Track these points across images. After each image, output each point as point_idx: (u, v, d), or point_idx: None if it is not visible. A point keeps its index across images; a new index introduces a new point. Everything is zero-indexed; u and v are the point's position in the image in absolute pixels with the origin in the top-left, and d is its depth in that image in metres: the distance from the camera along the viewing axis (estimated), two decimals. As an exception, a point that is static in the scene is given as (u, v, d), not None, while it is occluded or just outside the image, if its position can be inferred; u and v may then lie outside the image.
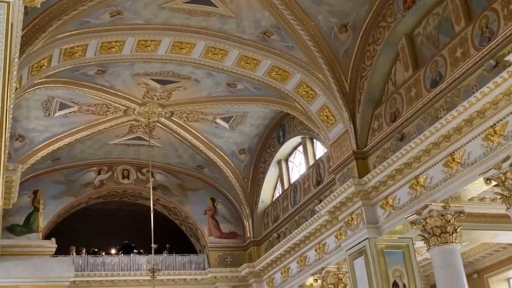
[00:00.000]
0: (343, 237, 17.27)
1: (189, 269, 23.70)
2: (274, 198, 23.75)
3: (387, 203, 15.52)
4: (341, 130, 17.16)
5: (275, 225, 22.95)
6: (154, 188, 21.76)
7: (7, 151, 10.12)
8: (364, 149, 16.52)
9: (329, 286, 18.84)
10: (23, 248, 9.62)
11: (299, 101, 18.20)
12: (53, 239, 11.68)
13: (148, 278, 20.80)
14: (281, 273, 21.89)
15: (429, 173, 13.90)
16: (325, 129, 17.85)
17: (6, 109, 6.95)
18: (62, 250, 19.57)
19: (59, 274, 7.47)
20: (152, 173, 21.75)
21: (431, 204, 13.74)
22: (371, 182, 15.77)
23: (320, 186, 19.79)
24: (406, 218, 14.59)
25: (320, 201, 18.30)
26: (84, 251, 23.34)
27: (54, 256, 13.99)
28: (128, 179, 23.86)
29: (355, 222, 16.47)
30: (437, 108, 13.76)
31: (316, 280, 19.96)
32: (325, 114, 17.68)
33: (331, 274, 18.89)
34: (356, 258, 16.55)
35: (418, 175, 14.25)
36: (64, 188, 22.71)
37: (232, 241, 24.60)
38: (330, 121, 17.58)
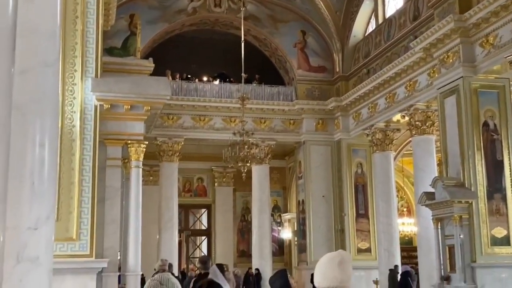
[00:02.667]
0: (436, 75, 16.87)
1: (277, 99, 24.28)
2: (366, 33, 23.15)
3: (487, 41, 14.77)
4: (446, -40, 15.94)
5: (365, 60, 22.64)
6: (245, 18, 21.67)
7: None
8: (469, -18, 15.41)
9: (416, 123, 18.86)
10: (123, 66, 10.11)
11: None
12: (151, 59, 12.14)
13: (238, 105, 21.68)
14: (368, 109, 22.03)
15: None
16: (428, -41, 16.64)
17: None
18: (157, 74, 20.43)
19: (157, 92, 7.88)
20: (243, 2, 21.50)
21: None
22: (472, 19, 14.94)
23: (417, 22, 18.96)
24: (506, 57, 13.93)
25: (416, 37, 17.67)
26: (178, 76, 24.31)
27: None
28: (220, 7, 23.81)
29: (451, 60, 15.92)
30: None
31: (404, 117, 19.99)
32: None
33: (419, 111, 18.81)
34: (448, 97, 16.28)
35: (526, 11, 13.29)
36: (158, 13, 23.09)
37: (321, 75, 24.64)
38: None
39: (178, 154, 23.29)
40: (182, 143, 23.30)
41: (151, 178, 24.84)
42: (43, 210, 4.73)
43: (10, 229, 3.71)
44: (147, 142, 6.57)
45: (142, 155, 6.34)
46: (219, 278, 7.62)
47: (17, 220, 3.79)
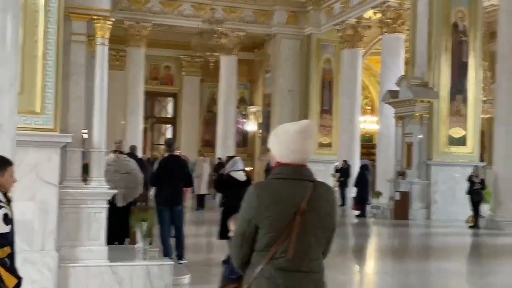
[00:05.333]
0: (412, -28, 16.56)
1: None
2: None
3: None
4: None
5: (342, -48, 21.95)
6: None
7: None
8: None
9: (388, 20, 18.75)
10: None
11: None
12: None
13: (209, -8, 21.04)
14: (341, 3, 21.67)
15: None
16: None
17: None
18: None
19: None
20: None
21: None
22: None
23: None
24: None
25: None
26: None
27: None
28: None
29: (428, -43, 15.60)
30: None
31: (376, 13, 19.80)
32: None
33: (392, 8, 18.64)
34: (421, -5, 16.11)
35: None
36: None
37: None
38: None
39: (145, 39, 22.81)
40: (150, 28, 22.75)
41: (117, 63, 24.37)
42: (6, 78, 4.68)
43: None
44: (114, 19, 6.39)
45: (108, 32, 6.18)
46: (239, 166, 7.83)
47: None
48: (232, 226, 3.70)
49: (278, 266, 2.51)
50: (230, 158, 8.43)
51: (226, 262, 3.82)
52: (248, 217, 2.56)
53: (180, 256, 8.06)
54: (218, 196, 10.83)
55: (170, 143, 8.49)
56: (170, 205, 7.89)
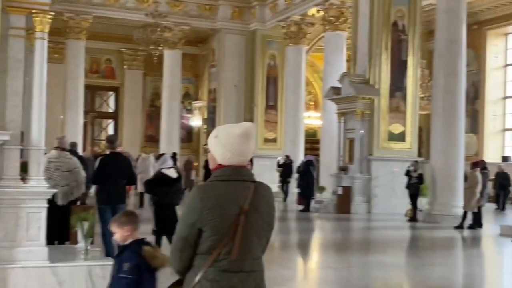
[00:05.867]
0: (354, -29, 16.86)
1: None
2: None
3: None
4: None
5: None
6: None
7: None
8: None
9: (330, 18, 19.03)
10: None
11: None
12: None
13: (152, -15, 20.79)
14: (285, 0, 21.83)
15: None
16: None
17: None
18: None
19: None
20: None
21: None
22: None
23: None
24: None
25: None
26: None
27: None
28: None
29: (369, -44, 15.91)
30: None
31: (319, 11, 20.06)
32: None
33: (334, 7, 18.93)
34: (363, -6, 16.42)
35: None
36: None
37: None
38: None
39: (85, 32, 22.28)
40: (91, 21, 22.25)
41: (56, 55, 23.68)
42: None
43: None
44: (53, 13, 6.21)
45: (47, 27, 6.00)
46: (168, 164, 7.81)
47: None
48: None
49: (221, 268, 2.52)
50: (160, 156, 8.43)
51: (118, 256, 3.72)
52: (191, 221, 2.55)
53: None
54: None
55: (112, 140, 8.33)
56: (112, 204, 7.76)
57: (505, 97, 22.85)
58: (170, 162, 7.97)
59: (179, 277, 2.66)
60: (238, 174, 2.61)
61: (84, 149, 22.36)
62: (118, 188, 7.82)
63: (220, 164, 2.62)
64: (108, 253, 7.48)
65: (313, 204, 17.04)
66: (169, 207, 7.66)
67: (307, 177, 17.00)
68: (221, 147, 2.60)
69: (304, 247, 11.48)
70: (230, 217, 2.54)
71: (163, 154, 8.45)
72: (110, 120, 29.05)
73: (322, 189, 17.63)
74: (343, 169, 16.81)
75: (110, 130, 28.65)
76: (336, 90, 16.98)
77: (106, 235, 7.81)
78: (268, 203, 2.66)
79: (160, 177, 7.78)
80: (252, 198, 2.58)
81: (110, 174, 7.70)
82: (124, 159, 8.20)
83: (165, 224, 7.43)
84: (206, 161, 22.13)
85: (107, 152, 8.27)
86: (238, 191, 2.58)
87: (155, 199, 7.87)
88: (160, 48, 19.67)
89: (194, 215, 2.55)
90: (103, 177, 7.76)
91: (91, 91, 27.22)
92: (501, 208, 18.23)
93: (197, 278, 2.54)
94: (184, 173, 21.80)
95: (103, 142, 28.89)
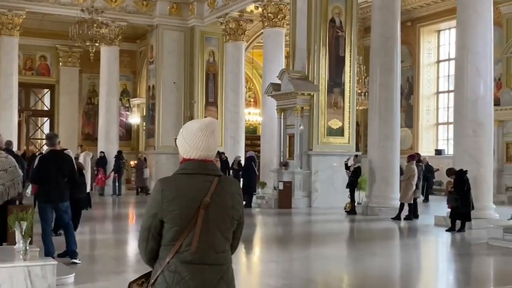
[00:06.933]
0: (291, -32, 17.05)
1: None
2: None
3: None
4: None
5: None
6: None
7: None
8: None
9: (269, 15, 19.18)
10: None
11: None
12: None
13: (88, -20, 20.30)
14: (224, -4, 21.84)
15: None
16: None
17: None
18: None
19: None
20: None
21: None
22: None
23: None
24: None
25: None
26: None
27: None
28: None
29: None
30: None
31: (257, 7, 20.16)
32: None
33: (272, 3, 19.09)
34: (300, -9, 16.64)
35: None
36: None
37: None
38: None
39: (19, 28, 21.55)
40: (24, 17, 21.54)
41: (-13, 52, 22.83)
42: None
43: None
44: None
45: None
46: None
47: None
48: None
49: (183, 260, 2.55)
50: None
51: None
52: (153, 212, 2.59)
53: (72, 254, 7.78)
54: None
55: (51, 137, 8.11)
56: (54, 202, 7.59)
57: (438, 92, 23.73)
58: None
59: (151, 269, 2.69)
60: (201, 168, 2.64)
61: (19, 148, 21.66)
62: (59, 186, 7.65)
63: (184, 158, 2.67)
64: (47, 252, 7.30)
65: (254, 199, 17.15)
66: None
67: (249, 173, 17.09)
68: (183, 141, 2.66)
69: (246, 242, 11.54)
70: (191, 209, 2.56)
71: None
72: (45, 119, 28.23)
73: (263, 184, 17.76)
74: (284, 165, 17.01)
75: (46, 129, 27.86)
76: (276, 87, 17.15)
77: (47, 234, 7.62)
78: (233, 197, 2.67)
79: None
80: (214, 191, 2.60)
81: (50, 172, 7.52)
82: (64, 157, 8.01)
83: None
84: (139, 159, 22.06)
85: (47, 149, 8.04)
86: (200, 184, 2.60)
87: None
88: (96, 44, 19.26)
89: (155, 206, 2.59)
90: (42, 175, 7.57)
91: (26, 89, 26.39)
92: (424, 198, 18.74)
93: (161, 268, 2.57)
94: (137, 171, 21.67)
95: (39, 141, 28.14)
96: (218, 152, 19.45)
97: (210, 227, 2.59)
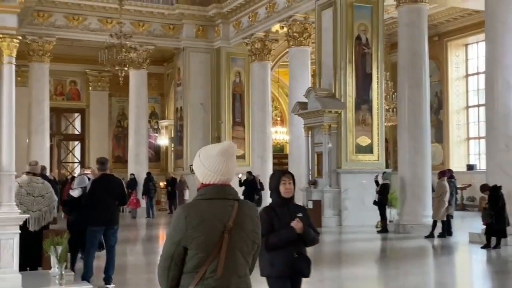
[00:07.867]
0: (316, -13, 17.15)
1: (157, 2, 23.46)
2: None
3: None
4: None
5: (248, -32, 22.35)
6: None
7: None
8: None
9: (294, 34, 19.27)
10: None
11: None
12: None
13: (115, 6, 20.75)
14: (249, 17, 22.05)
15: None
16: None
17: None
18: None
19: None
20: None
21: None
22: None
23: None
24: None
25: None
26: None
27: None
28: None
29: (330, -27, 16.22)
30: None
31: (282, 27, 20.30)
32: None
33: (297, 22, 19.19)
34: (325, 9, 16.74)
35: None
36: None
37: (202, -20, 24.03)
38: None
39: (49, 54, 22.06)
40: (54, 43, 22.05)
41: (19, 79, 23.32)
42: None
43: None
44: (20, 37, 6.16)
45: (15, 51, 5.96)
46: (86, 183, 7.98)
47: None
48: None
49: (207, 286, 2.55)
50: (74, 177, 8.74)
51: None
52: (177, 239, 2.59)
53: (108, 279, 7.82)
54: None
55: (102, 162, 8.22)
56: (106, 225, 7.69)
57: (467, 107, 23.43)
58: (87, 182, 8.11)
59: None
60: (222, 193, 2.65)
61: (51, 171, 22.01)
62: (111, 209, 7.78)
63: (203, 184, 2.67)
64: (85, 275, 7.37)
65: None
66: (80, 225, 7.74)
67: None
68: (201, 166, 2.66)
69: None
70: (215, 234, 2.57)
71: (80, 174, 8.79)
72: (76, 142, 28.68)
73: (292, 203, 17.63)
74: (313, 183, 16.93)
75: (77, 152, 28.29)
76: (302, 105, 17.15)
77: (91, 257, 7.70)
78: (253, 220, 2.70)
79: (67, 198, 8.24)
80: (236, 215, 2.62)
81: (103, 196, 7.64)
82: (116, 180, 8.13)
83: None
84: (167, 180, 22.00)
85: (99, 174, 8.14)
86: (222, 209, 2.61)
87: (75, 220, 8.08)
88: (125, 68, 19.58)
89: (179, 233, 2.58)
90: (95, 199, 7.68)
91: (57, 113, 26.88)
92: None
93: None
94: (178, 192, 21.60)
95: (71, 164, 28.56)
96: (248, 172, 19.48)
97: (233, 252, 2.60)
